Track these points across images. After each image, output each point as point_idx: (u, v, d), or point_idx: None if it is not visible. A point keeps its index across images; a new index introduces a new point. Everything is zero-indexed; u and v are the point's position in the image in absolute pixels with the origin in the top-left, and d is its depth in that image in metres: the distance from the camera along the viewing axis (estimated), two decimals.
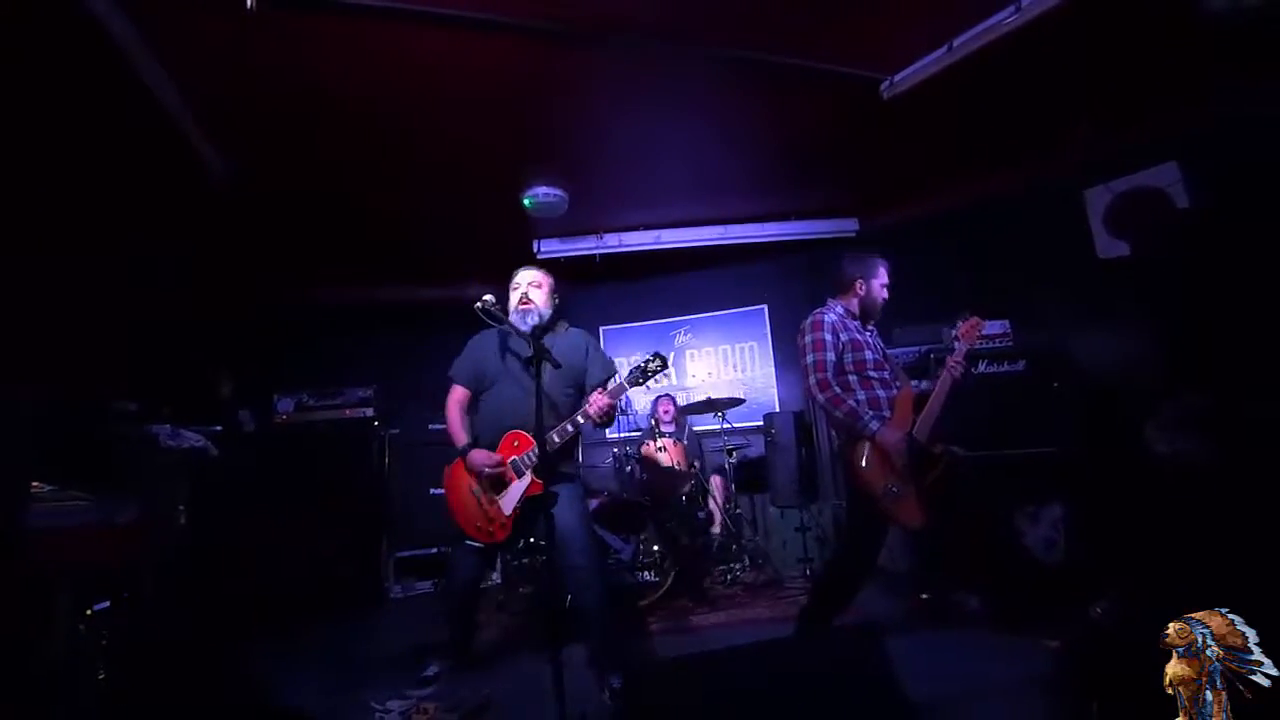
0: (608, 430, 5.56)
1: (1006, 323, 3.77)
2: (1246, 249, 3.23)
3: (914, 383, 2.78)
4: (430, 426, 4.73)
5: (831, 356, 2.57)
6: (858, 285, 2.72)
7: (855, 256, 2.79)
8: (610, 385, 2.47)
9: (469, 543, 2.56)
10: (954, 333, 2.72)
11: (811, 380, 2.56)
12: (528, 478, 2.48)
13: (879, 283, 2.74)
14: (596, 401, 2.41)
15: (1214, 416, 2.95)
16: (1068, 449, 3.27)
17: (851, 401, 2.52)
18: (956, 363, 2.60)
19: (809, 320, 2.66)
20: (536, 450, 2.43)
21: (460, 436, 2.61)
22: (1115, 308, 3.75)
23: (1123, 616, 1.86)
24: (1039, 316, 3.86)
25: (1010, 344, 3.68)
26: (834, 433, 2.72)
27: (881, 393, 2.61)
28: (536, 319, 2.55)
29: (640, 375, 2.40)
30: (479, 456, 2.51)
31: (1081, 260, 3.94)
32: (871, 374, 2.62)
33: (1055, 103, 3.51)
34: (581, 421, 2.43)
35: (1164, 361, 3.44)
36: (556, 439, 2.43)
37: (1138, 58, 3.13)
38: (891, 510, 2.44)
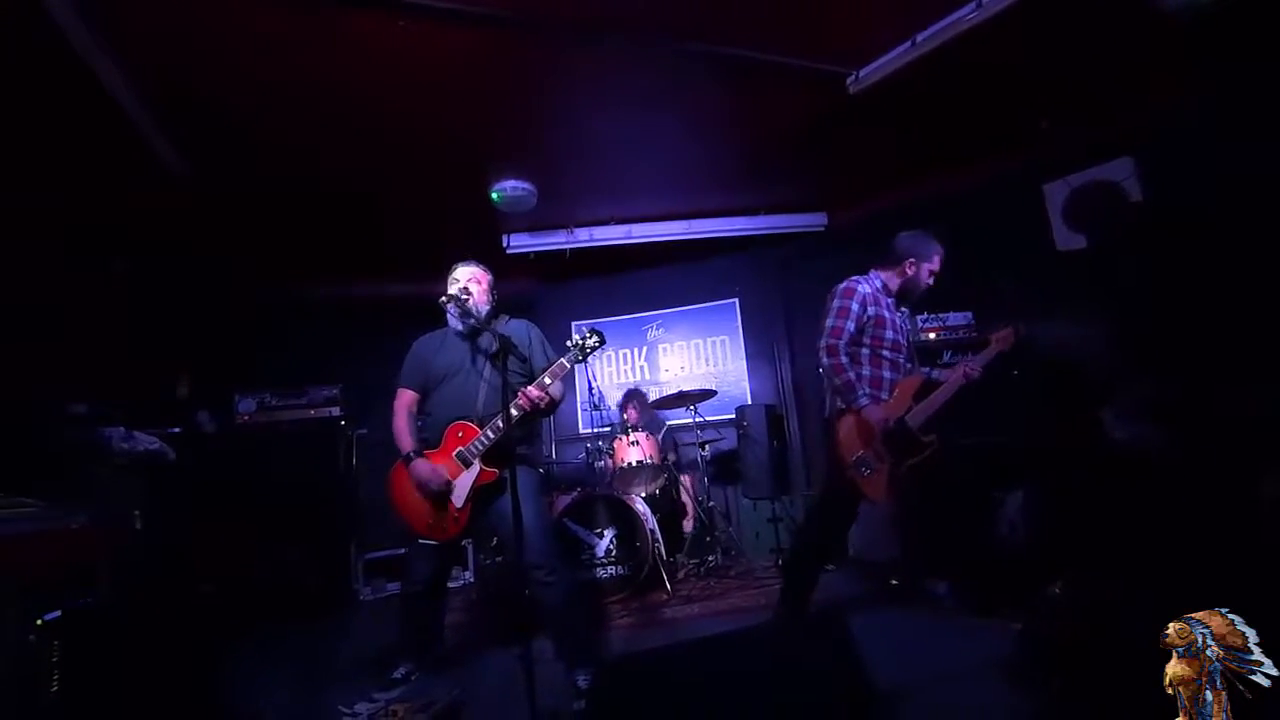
0: (580, 425, 5.61)
1: (970, 314, 3.85)
2: (1196, 240, 3.35)
3: (927, 370, 2.80)
4: None
5: (851, 327, 2.59)
6: (908, 264, 2.72)
7: (914, 235, 2.77)
8: (553, 367, 2.44)
9: (422, 542, 2.50)
10: (991, 335, 2.76)
11: (822, 342, 2.59)
12: (476, 466, 2.43)
13: (929, 268, 2.73)
14: (528, 393, 2.38)
15: (1169, 403, 3.06)
16: (1029, 436, 3.36)
17: (852, 374, 2.55)
18: (978, 364, 2.65)
19: (843, 285, 2.68)
20: (483, 438, 2.41)
21: (406, 442, 2.55)
22: (1074, 298, 3.85)
23: (1079, 596, 1.91)
24: (1001, 308, 3.94)
25: (974, 335, 3.77)
26: (827, 399, 2.74)
27: (888, 374, 2.64)
28: (473, 317, 2.52)
29: (580, 353, 2.41)
30: (423, 470, 2.44)
31: (1041, 252, 4.05)
32: (885, 354, 2.65)
33: (1016, 98, 3.59)
34: (515, 415, 2.36)
35: (1121, 350, 3.55)
36: (500, 425, 2.37)
37: (1095, 54, 3.21)
38: (859, 481, 2.49)
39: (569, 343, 2.43)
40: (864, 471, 2.50)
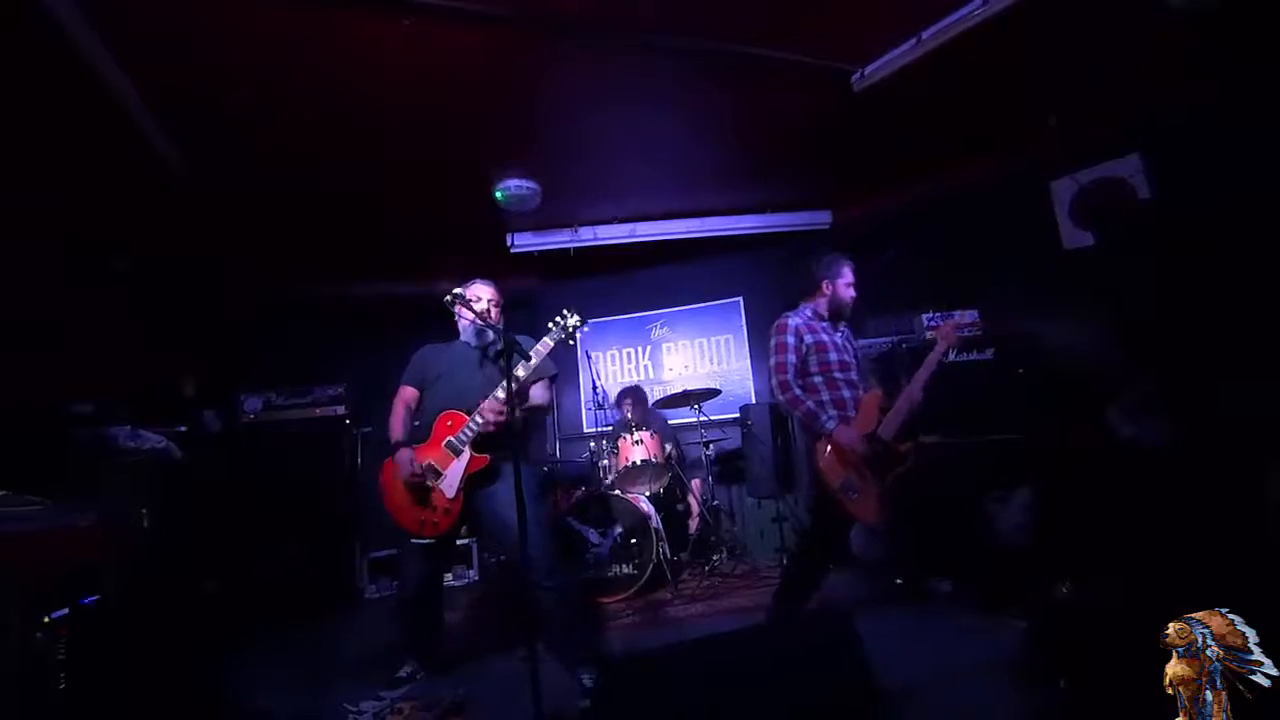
0: (584, 424, 5.61)
1: (975, 312, 3.82)
2: (1204, 237, 3.33)
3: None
4: None
5: (793, 359, 2.66)
6: (824, 286, 2.81)
7: (820, 259, 2.86)
8: (537, 345, 2.48)
9: (414, 541, 2.48)
10: (930, 332, 2.79)
11: (774, 382, 2.66)
12: (466, 454, 2.43)
13: (844, 282, 2.81)
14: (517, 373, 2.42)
15: (1175, 401, 3.04)
16: (1034, 434, 3.34)
17: (811, 403, 2.60)
18: (933, 363, 2.67)
19: (775, 324, 2.76)
20: (470, 425, 2.42)
21: (396, 433, 2.58)
22: (1080, 297, 3.83)
23: (1087, 595, 1.90)
24: (1006, 306, 3.93)
25: (979, 333, 3.74)
26: (803, 433, 2.80)
27: (847, 393, 2.68)
28: (483, 324, 2.57)
29: (562, 332, 2.47)
30: (403, 459, 2.45)
31: (1048, 251, 4.03)
32: (837, 375, 2.70)
33: (1022, 95, 3.57)
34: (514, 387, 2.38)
35: (1127, 348, 3.52)
36: (485, 412, 2.42)
37: (1102, 50, 3.19)
38: (849, 505, 2.50)
39: (551, 324, 2.48)
40: (851, 495, 2.51)
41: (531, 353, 2.44)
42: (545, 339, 2.47)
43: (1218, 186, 3.40)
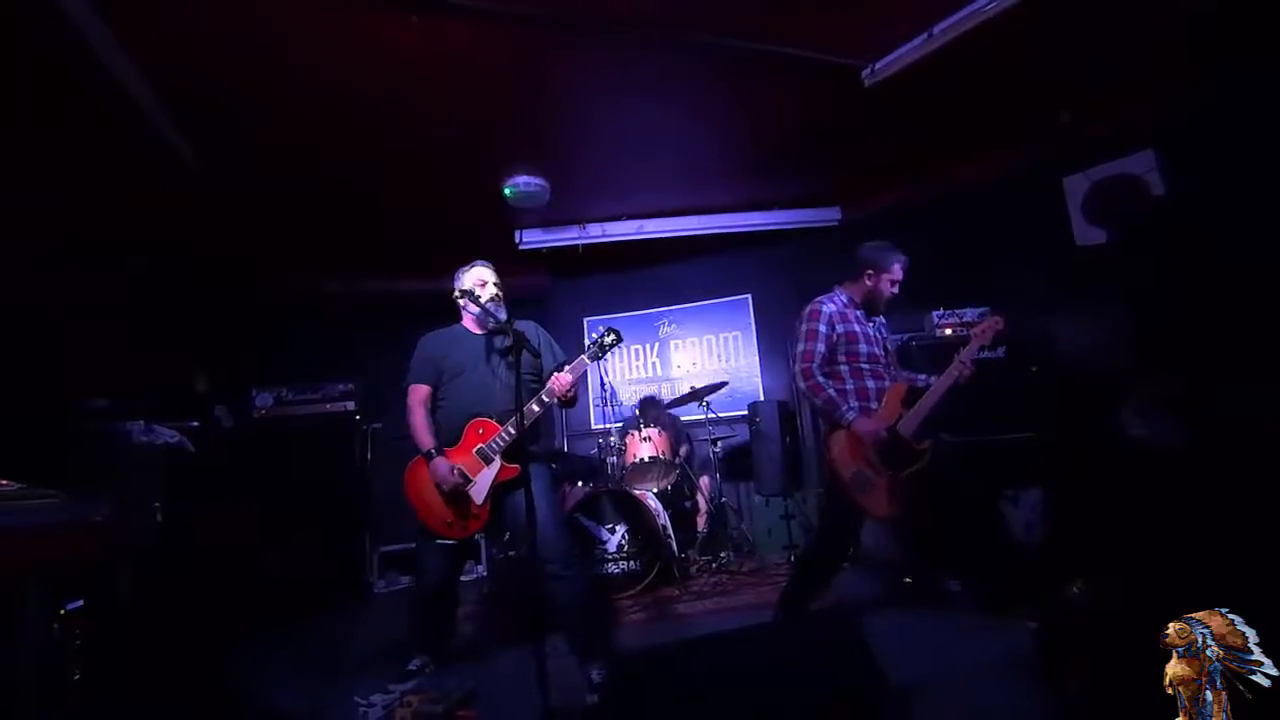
0: (592, 421, 5.62)
1: (986, 310, 3.80)
2: (1218, 234, 3.29)
3: (921, 376, 2.74)
4: None
5: (821, 348, 2.58)
6: (866, 276, 2.70)
7: (875, 246, 2.74)
8: (572, 363, 2.49)
9: (440, 542, 2.49)
10: (944, 330, 2.72)
11: (796, 367, 2.59)
12: (497, 463, 2.44)
13: (889, 278, 2.69)
14: (560, 379, 2.43)
15: (1187, 401, 3.01)
16: (1046, 433, 3.31)
17: (832, 390, 2.54)
18: (966, 361, 2.55)
19: (809, 308, 2.67)
20: (503, 435, 2.43)
21: (425, 440, 2.54)
22: (1093, 294, 3.79)
23: (1099, 596, 1.89)
24: (1018, 303, 3.89)
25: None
26: (819, 421, 2.74)
27: (871, 383, 2.62)
28: (493, 318, 2.56)
29: (598, 350, 2.46)
30: (441, 469, 2.44)
31: (1060, 248, 3.99)
32: (864, 365, 2.63)
33: (1035, 90, 3.53)
34: (547, 400, 2.43)
35: (1140, 346, 3.49)
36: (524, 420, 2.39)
37: (1116, 45, 3.16)
38: (860, 498, 2.46)
39: (588, 340, 2.47)
40: (862, 489, 2.46)
41: (568, 371, 2.45)
42: (582, 356, 2.47)
43: (1232, 184, 3.35)
